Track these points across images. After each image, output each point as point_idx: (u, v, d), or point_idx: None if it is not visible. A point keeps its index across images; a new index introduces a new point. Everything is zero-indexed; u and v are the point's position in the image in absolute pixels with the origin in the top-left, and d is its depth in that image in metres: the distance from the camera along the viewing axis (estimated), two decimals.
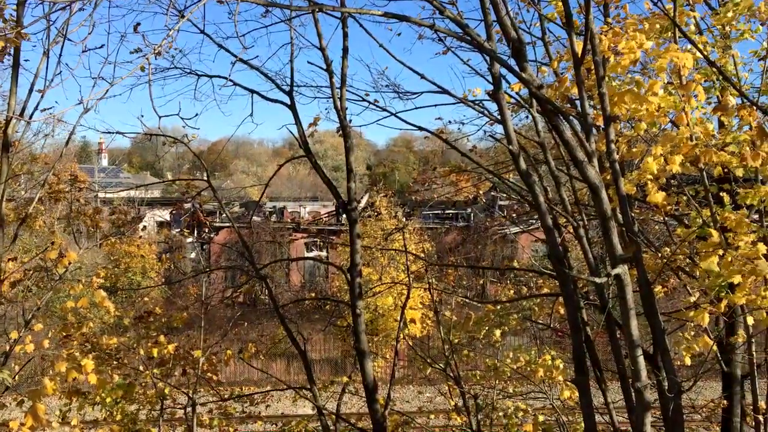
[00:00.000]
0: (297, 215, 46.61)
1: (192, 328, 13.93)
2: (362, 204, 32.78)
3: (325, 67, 7.32)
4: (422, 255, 25.15)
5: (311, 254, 35.63)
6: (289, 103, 7.59)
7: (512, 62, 4.56)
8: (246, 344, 9.09)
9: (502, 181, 8.32)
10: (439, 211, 39.95)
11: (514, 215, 20.91)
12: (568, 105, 7.05)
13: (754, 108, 7.12)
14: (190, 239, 35.57)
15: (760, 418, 6.57)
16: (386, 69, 8.58)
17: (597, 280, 4.77)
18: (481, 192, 11.64)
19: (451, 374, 7.72)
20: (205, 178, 7.99)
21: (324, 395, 8.19)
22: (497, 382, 8.89)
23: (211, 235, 34.52)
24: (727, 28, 7.40)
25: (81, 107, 4.97)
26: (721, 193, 7.16)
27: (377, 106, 8.09)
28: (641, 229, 8.84)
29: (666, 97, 6.16)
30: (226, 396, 9.32)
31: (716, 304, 5.86)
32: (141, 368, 8.36)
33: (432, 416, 11.94)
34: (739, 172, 6.34)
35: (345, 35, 7.34)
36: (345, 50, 7.37)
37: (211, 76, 7.64)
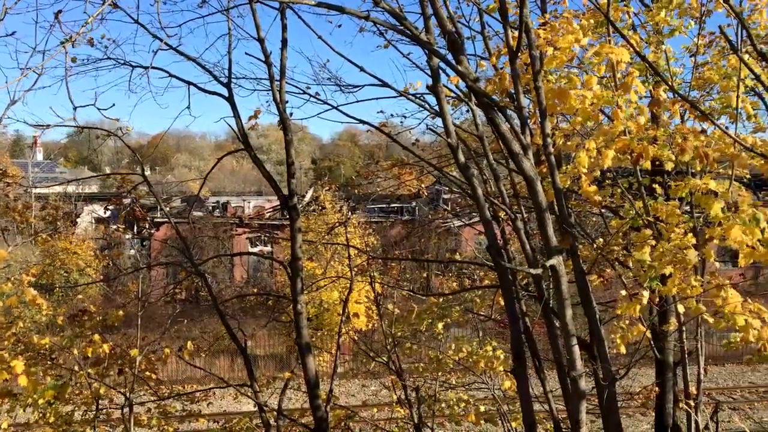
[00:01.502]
0: (241, 210, 45.99)
1: (131, 327, 13.59)
2: (307, 198, 32.53)
3: (263, 58, 7.20)
4: (367, 249, 25.18)
5: (255, 249, 35.21)
6: (227, 95, 7.44)
7: (450, 56, 4.56)
8: (186, 342, 8.91)
9: (443, 174, 8.37)
10: (384, 205, 40.02)
11: (457, 208, 21.14)
12: (508, 99, 7.14)
13: (686, 102, 7.35)
14: (128, 235, 34.68)
15: (692, 402, 6.81)
16: (327, 62, 8.52)
17: (533, 271, 4.84)
18: (423, 185, 11.68)
19: (393, 367, 7.74)
20: (140, 173, 7.76)
21: (267, 391, 8.09)
22: (440, 373, 8.97)
23: (151, 231, 33.72)
24: (660, 24, 7.61)
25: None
26: (653, 186, 7.38)
27: (318, 99, 8.02)
28: (578, 221, 9.04)
29: (601, 92, 6.31)
30: (165, 395, 9.12)
31: (649, 295, 6.04)
32: (76, 368, 8.12)
33: (375, 409, 11.96)
34: (669, 166, 6.53)
35: (284, 27, 7.24)
36: (284, 42, 7.26)
37: (146, 67, 7.42)
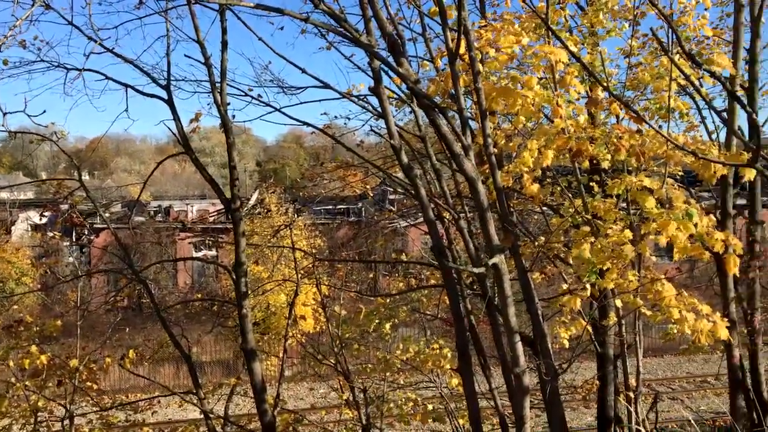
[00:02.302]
0: (184, 214, 45.14)
1: (71, 336, 13.20)
2: (252, 201, 32.17)
3: (203, 60, 7.09)
4: (313, 251, 25.04)
5: (199, 254, 34.61)
6: (166, 97, 7.30)
7: (391, 58, 4.58)
8: (129, 350, 8.70)
9: (388, 175, 8.39)
10: (331, 207, 39.93)
11: (403, 209, 21.23)
12: (450, 100, 7.21)
13: (620, 102, 7.55)
14: (66, 242, 33.63)
15: (631, 394, 7.01)
16: (270, 63, 8.47)
17: (475, 270, 4.91)
18: (369, 187, 11.70)
19: (341, 369, 7.72)
20: (77, 178, 7.54)
21: (213, 398, 7.97)
22: (388, 374, 8.99)
23: (91, 238, 32.75)
24: (595, 26, 7.81)
25: None
26: (591, 184, 7.57)
27: (261, 101, 7.94)
28: (521, 220, 9.21)
29: (541, 91, 6.43)
30: (108, 405, 8.89)
31: (588, 289, 6.19)
32: (13, 380, 7.86)
33: (324, 412, 11.91)
34: (606, 164, 6.71)
35: (224, 29, 7.16)
36: (224, 44, 7.18)
37: (80, 70, 7.22)
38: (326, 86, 6.63)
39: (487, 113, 5.45)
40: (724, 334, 5.80)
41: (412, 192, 7.06)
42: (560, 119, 6.29)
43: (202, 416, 7.35)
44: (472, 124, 6.09)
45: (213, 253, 34.68)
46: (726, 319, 6.18)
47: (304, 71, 6.43)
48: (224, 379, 12.02)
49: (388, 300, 9.89)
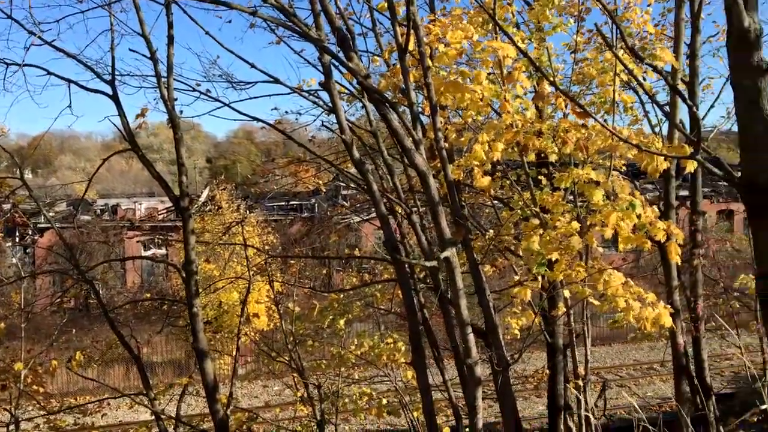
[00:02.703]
0: (132, 212, 44.16)
1: (15, 339, 12.83)
2: (202, 198, 31.65)
3: (149, 55, 6.95)
4: (266, 247, 24.81)
5: (148, 253, 33.92)
6: (111, 93, 7.14)
7: (342, 53, 4.56)
8: (75, 352, 8.48)
9: (340, 171, 8.37)
10: (284, 203, 39.65)
11: (356, 204, 21.21)
12: (401, 95, 7.21)
13: (566, 97, 7.69)
14: (9, 243, 32.55)
15: (580, 382, 7.16)
16: (218, 58, 8.35)
17: (427, 264, 4.94)
18: (322, 182, 11.65)
19: (294, 366, 7.68)
20: (19, 176, 7.31)
21: (164, 399, 7.83)
22: (342, 369, 8.98)
23: (35, 238, 31.79)
24: (542, 22, 7.93)
25: None
26: (540, 177, 7.70)
27: (210, 97, 7.83)
28: (472, 213, 9.30)
29: (489, 86, 6.51)
30: (55, 409, 8.65)
31: (539, 281, 6.31)
32: None
33: (279, 409, 11.84)
34: (553, 157, 6.83)
35: (170, 24, 7.02)
36: (170, 38, 7.05)
37: (21, 65, 7.03)
38: (276, 81, 6.58)
39: (437, 108, 5.48)
40: (667, 321, 5.97)
41: (364, 187, 7.07)
42: (508, 114, 6.40)
43: (153, 417, 7.22)
44: (424, 119, 6.13)
45: (162, 251, 34.05)
46: (670, 307, 6.39)
47: (253, 66, 6.37)
48: (176, 379, 11.83)
49: (341, 296, 9.88)
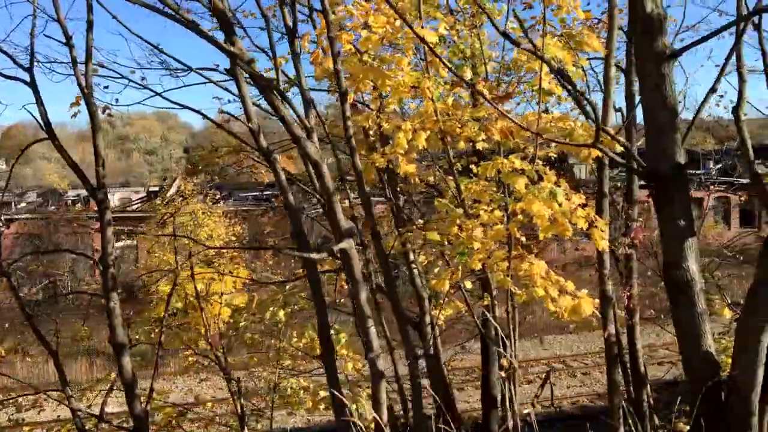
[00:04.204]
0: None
1: None
2: (173, 189, 31.31)
3: (65, 40, 6.74)
4: (233, 238, 24.57)
5: (119, 244, 33.52)
6: (29, 80, 6.92)
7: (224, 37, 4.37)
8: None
9: (270, 163, 8.18)
10: (258, 192, 39.33)
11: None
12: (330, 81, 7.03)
13: (493, 83, 7.57)
14: None
15: (503, 373, 7.06)
16: (159, 45, 8.09)
17: (315, 256, 4.79)
18: (264, 173, 11.46)
19: (214, 361, 7.53)
20: None
21: (91, 395, 7.68)
22: (288, 363, 8.84)
23: (2, 229, 31.32)
24: (473, 8, 7.78)
25: None
26: (471, 166, 7.58)
27: (139, 84, 7.62)
28: (411, 201, 9.16)
29: (411, 73, 6.37)
30: None
31: (459, 272, 6.21)
32: None
33: (211, 404, 11.69)
34: (480, 145, 6.73)
35: (89, 7, 6.79)
36: (89, 23, 6.82)
37: None
38: (189, 69, 6.38)
39: (347, 95, 5.34)
40: (587, 310, 5.90)
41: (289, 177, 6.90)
42: (430, 101, 6.28)
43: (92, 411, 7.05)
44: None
45: (133, 242, 33.67)
46: (596, 297, 6.31)
47: (159, 49, 6.16)
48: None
49: (287, 287, 9.74)
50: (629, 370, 7.71)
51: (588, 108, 4.45)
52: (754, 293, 4.41)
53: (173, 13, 3.74)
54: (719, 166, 24.70)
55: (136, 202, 42.12)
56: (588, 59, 8.22)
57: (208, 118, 8.13)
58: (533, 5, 9.17)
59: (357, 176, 5.21)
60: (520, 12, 8.63)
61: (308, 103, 4.82)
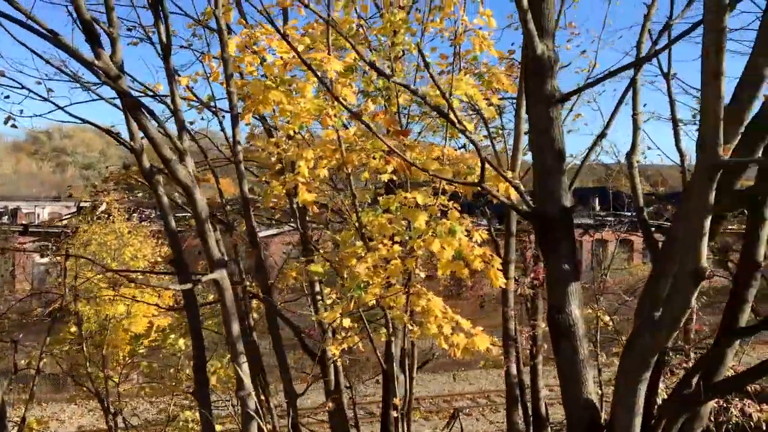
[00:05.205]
0: (34, 216, 42.16)
1: None
2: (103, 207, 30.30)
3: None
4: (158, 259, 23.78)
5: (45, 260, 32.25)
6: None
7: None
8: None
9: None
10: (190, 213, 38.46)
11: (266, 218, 20.56)
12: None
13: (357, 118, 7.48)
14: None
15: (395, 413, 6.90)
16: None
17: (179, 287, 4.54)
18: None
19: (91, 390, 7.14)
20: None
21: None
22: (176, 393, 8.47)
23: None
24: (394, 40, 7.74)
25: None
26: (377, 197, 7.46)
27: (39, 96, 7.26)
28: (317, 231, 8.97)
29: (314, 100, 6.24)
30: None
31: (351, 304, 6.04)
32: None
33: None
34: (385, 177, 6.61)
35: None
36: None
37: None
38: (76, 79, 6.09)
39: (238, 119, 5.16)
40: (483, 346, 5.81)
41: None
42: (331, 130, 6.15)
43: None
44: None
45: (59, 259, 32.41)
46: (494, 336, 6.22)
47: (38, 55, 5.85)
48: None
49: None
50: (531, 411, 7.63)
51: (471, 147, 4.34)
52: (630, 343, 4.36)
53: (24, 20, 3.47)
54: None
55: (66, 216, 40.72)
56: (501, 98, 8.26)
57: (111, 135, 7.82)
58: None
59: (243, 202, 5.00)
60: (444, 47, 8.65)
61: (182, 124, 4.60)
